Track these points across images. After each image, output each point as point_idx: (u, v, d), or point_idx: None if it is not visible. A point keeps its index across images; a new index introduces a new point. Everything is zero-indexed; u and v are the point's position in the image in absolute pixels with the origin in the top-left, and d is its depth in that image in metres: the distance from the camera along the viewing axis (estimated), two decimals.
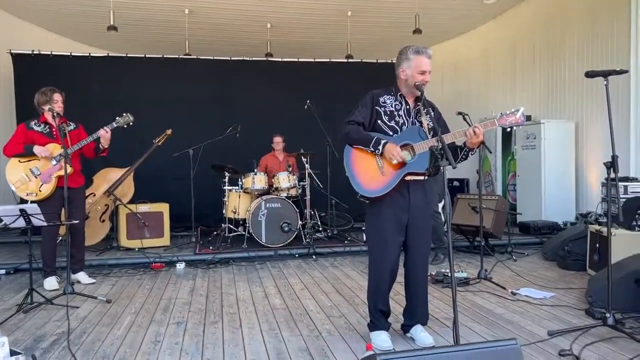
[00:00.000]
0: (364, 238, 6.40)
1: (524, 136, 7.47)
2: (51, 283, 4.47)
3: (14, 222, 3.78)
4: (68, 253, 4.20)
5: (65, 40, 8.99)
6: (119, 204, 5.99)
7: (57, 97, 4.44)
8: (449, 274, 4.51)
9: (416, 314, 3.10)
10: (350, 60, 8.59)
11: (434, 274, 4.61)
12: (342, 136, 2.96)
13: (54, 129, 4.46)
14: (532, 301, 3.92)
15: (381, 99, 2.98)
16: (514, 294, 4.13)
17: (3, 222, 3.79)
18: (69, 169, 4.18)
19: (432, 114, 2.95)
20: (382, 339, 2.96)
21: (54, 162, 4.36)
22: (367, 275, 3.12)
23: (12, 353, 2.29)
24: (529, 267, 5.22)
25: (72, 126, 4.56)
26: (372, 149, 2.86)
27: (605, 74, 3.15)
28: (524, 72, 8.37)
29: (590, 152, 7.04)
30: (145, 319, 3.61)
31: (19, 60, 7.43)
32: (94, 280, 4.75)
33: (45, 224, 3.90)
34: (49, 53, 7.41)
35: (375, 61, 8.35)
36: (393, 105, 2.97)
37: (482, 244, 4.93)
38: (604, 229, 4.29)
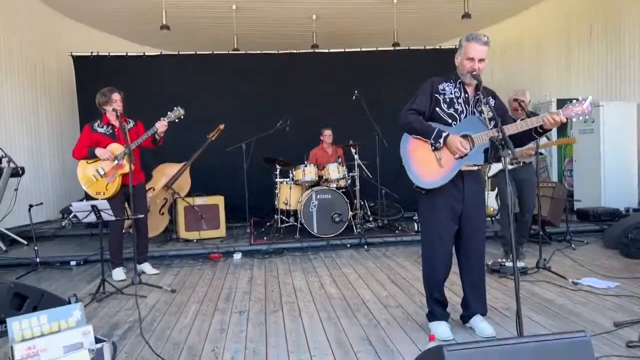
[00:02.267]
0: (415, 228, 6.39)
1: (582, 120, 7.15)
2: (119, 274, 4.73)
3: (86, 217, 4.04)
4: (135, 246, 4.44)
5: (122, 41, 9.38)
6: (177, 197, 6.24)
7: (116, 96, 4.63)
8: (505, 263, 4.46)
9: (474, 303, 3.10)
10: (397, 48, 8.51)
11: (490, 263, 4.55)
12: (404, 124, 2.95)
13: (116, 129, 4.68)
14: (595, 291, 3.82)
15: (440, 87, 2.96)
16: (575, 283, 4.03)
17: (73, 215, 4.07)
18: (126, 167, 4.40)
19: (492, 102, 2.92)
20: (442, 330, 2.98)
21: (116, 161, 4.59)
22: (422, 265, 3.14)
23: (97, 340, 2.47)
24: (590, 255, 5.06)
25: (131, 124, 4.74)
26: (432, 141, 2.86)
27: None
28: (580, 53, 8.03)
29: None
30: (209, 308, 3.77)
31: (79, 62, 7.80)
32: (157, 271, 5.00)
33: (113, 218, 4.15)
34: (107, 54, 7.74)
35: (422, 47, 8.22)
36: (453, 93, 2.95)
37: (540, 232, 4.82)
38: None
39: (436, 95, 2.94)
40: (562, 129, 7.93)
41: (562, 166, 8.13)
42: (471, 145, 2.85)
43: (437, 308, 3.09)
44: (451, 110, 2.93)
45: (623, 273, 4.32)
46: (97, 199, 4.40)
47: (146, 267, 4.96)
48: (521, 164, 4.82)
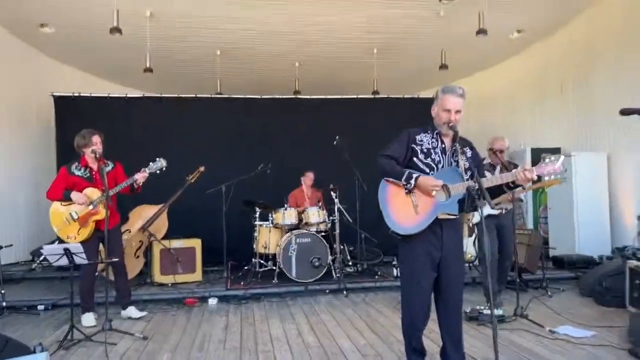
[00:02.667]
0: (394, 273, 6.37)
1: None
2: (89, 319, 4.57)
3: (57, 260, 3.93)
4: (107, 290, 4.30)
5: (104, 82, 9.42)
6: (153, 240, 6.13)
7: (96, 139, 4.58)
8: (484, 311, 4.46)
9: (453, 354, 3.06)
10: (377, 96, 8.74)
11: (468, 311, 4.54)
12: (378, 168, 2.99)
13: (94, 172, 4.61)
14: (572, 340, 3.83)
15: (417, 137, 3.01)
16: (552, 332, 4.04)
17: (43, 258, 3.94)
18: (102, 213, 4.33)
19: (469, 153, 2.99)
20: None
21: (91, 207, 4.51)
22: (401, 312, 3.12)
23: None
24: (566, 303, 5.10)
25: (110, 166, 4.70)
26: (404, 183, 2.88)
27: None
28: (552, 105, 8.36)
29: (624, 184, 6.92)
30: (182, 357, 3.65)
31: (60, 102, 7.78)
32: (144, 313, 4.87)
33: (86, 262, 4.04)
34: (88, 95, 7.75)
35: (401, 96, 8.46)
36: (430, 143, 3.00)
37: (517, 279, 4.85)
38: None
39: (413, 145, 2.99)
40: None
41: (537, 213, 8.28)
42: (447, 195, 2.89)
43: (415, 358, 3.04)
44: (428, 160, 2.98)
45: (598, 321, 4.35)
46: (67, 243, 4.30)
47: (132, 311, 4.82)
48: (503, 210, 4.91)
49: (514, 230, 4.77)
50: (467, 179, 2.83)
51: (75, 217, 4.51)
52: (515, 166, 5.09)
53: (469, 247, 6.90)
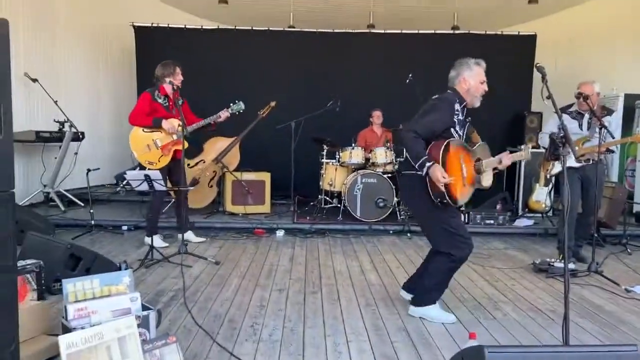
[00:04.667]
0: (462, 219, 6.24)
1: None
2: (157, 241, 4.85)
3: (139, 185, 4.19)
4: (184, 216, 4.57)
5: (181, 12, 9.52)
6: (226, 171, 6.35)
7: (179, 70, 4.75)
8: (555, 264, 4.31)
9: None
10: (456, 31, 8.22)
11: (537, 262, 4.41)
12: (403, 142, 2.99)
13: (170, 102, 4.78)
14: None
15: (455, 107, 3.04)
16: (628, 291, 3.84)
17: (126, 182, 4.21)
18: (186, 145, 4.54)
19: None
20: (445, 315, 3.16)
21: (174, 137, 4.71)
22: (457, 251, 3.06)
23: (144, 308, 2.57)
24: None
25: (181, 100, 4.86)
26: (417, 168, 2.89)
27: None
28: None
29: None
30: (250, 283, 3.86)
31: (140, 32, 8.00)
32: (203, 239, 5.16)
33: (165, 188, 4.28)
34: (166, 25, 7.89)
35: (483, 32, 7.91)
36: (462, 114, 3.09)
37: (595, 234, 4.58)
38: None
39: (453, 117, 3.01)
40: (628, 123, 7.47)
41: (624, 165, 7.69)
42: (482, 167, 3.04)
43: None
44: (461, 132, 3.08)
45: None
46: (146, 168, 4.55)
47: (190, 235, 5.12)
48: (590, 161, 4.44)
49: (601, 184, 4.40)
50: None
51: (160, 144, 4.74)
52: (609, 112, 4.64)
53: (542, 195, 6.59)
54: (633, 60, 7.97)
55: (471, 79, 3.02)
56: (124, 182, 7.33)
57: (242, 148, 6.57)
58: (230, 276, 4.04)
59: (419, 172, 2.89)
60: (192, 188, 4.73)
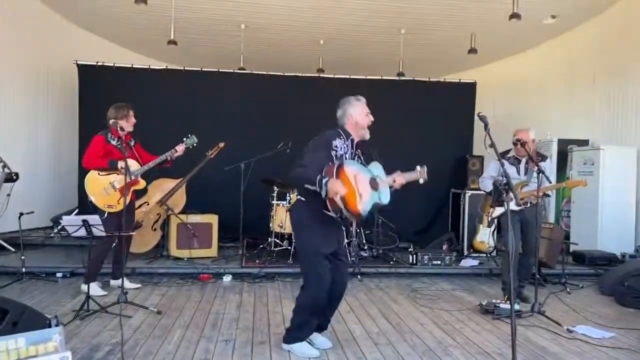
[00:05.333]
0: (410, 260, 6.32)
1: (581, 161, 7.18)
2: (97, 289, 4.59)
3: (76, 231, 3.96)
4: (124, 261, 4.35)
5: (127, 52, 9.38)
6: (171, 213, 6.15)
7: (132, 113, 4.67)
8: (500, 305, 4.38)
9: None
10: (402, 78, 8.54)
11: (484, 303, 4.48)
12: (294, 179, 3.15)
13: (125, 144, 4.62)
14: (590, 341, 3.74)
15: (334, 143, 3.20)
16: (570, 331, 3.95)
17: (61, 228, 4.00)
18: (143, 183, 4.38)
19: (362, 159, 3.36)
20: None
21: (132, 177, 4.53)
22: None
23: None
24: (585, 301, 4.99)
25: (132, 142, 4.75)
26: (318, 189, 2.99)
27: None
28: (583, 95, 8.08)
29: None
30: (194, 334, 3.67)
31: (84, 70, 7.78)
32: (138, 285, 4.93)
33: (104, 234, 4.06)
34: (112, 65, 7.73)
35: (427, 79, 8.26)
36: (342, 149, 3.22)
37: (537, 274, 4.73)
38: None
39: (331, 152, 3.16)
40: (562, 166, 7.91)
41: (560, 206, 8.09)
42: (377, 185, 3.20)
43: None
44: None
45: (618, 322, 4.24)
46: (106, 212, 4.45)
47: (126, 282, 4.86)
48: (528, 204, 4.65)
49: (539, 225, 4.59)
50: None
51: (118, 186, 4.54)
52: (544, 158, 4.90)
53: (486, 236, 6.79)
54: (565, 107, 8.53)
55: (356, 114, 3.27)
56: (59, 227, 6.93)
57: (189, 189, 6.41)
58: (173, 327, 3.84)
59: (318, 191, 2.97)
60: (133, 233, 4.51)
